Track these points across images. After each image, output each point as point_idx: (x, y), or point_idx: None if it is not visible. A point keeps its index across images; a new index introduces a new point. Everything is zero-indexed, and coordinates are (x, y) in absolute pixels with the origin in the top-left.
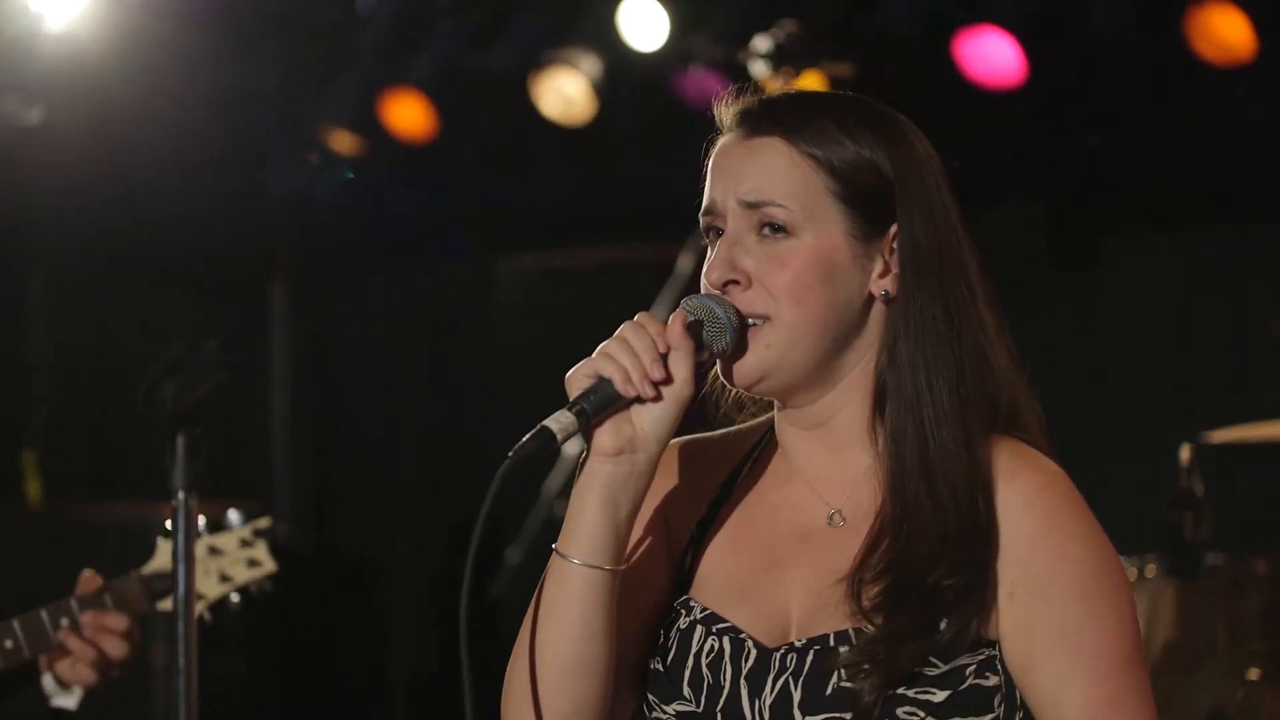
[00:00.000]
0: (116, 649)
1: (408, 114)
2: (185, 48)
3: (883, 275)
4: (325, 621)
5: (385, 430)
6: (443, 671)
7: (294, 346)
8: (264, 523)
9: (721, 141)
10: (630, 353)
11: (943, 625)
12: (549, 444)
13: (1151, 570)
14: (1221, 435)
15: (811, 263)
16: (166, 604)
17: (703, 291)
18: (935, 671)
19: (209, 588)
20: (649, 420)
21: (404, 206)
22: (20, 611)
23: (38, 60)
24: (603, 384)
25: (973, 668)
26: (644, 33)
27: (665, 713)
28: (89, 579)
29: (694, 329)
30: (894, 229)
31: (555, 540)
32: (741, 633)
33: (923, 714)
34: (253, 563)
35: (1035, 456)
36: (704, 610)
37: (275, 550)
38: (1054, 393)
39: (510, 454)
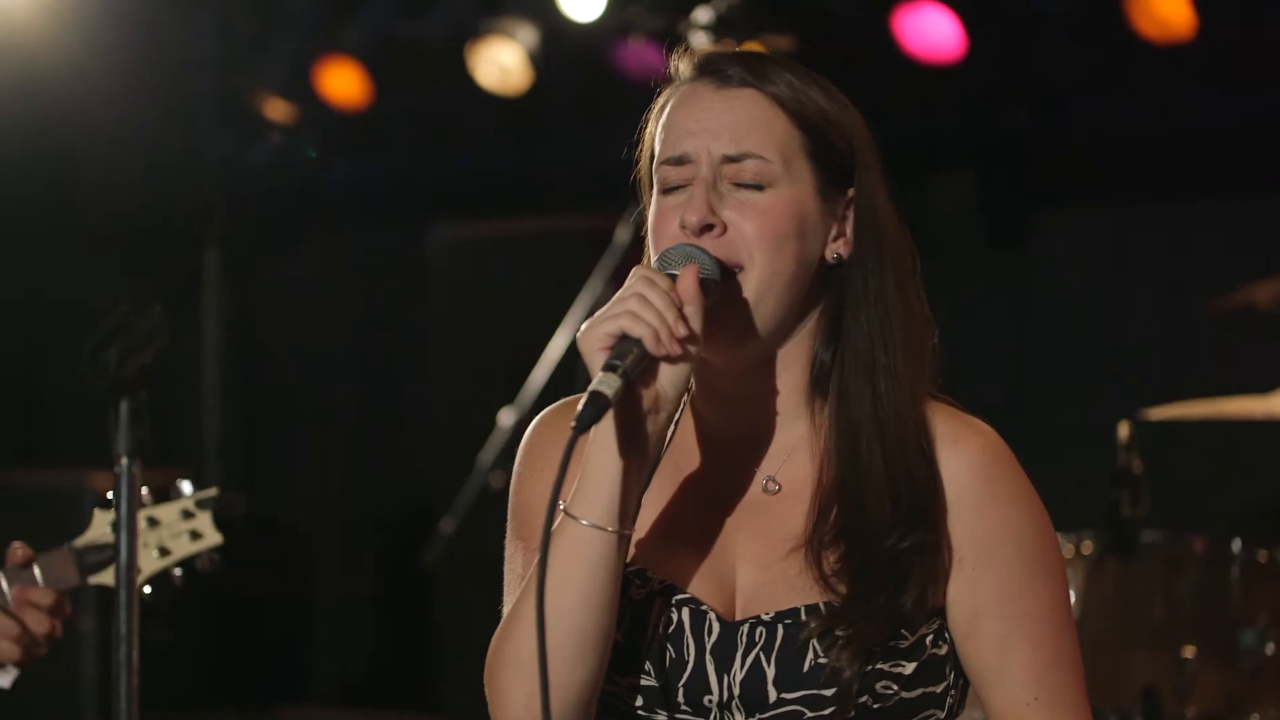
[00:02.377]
0: (39, 624)
1: (342, 82)
2: (119, 11)
3: (836, 239)
4: (254, 589)
5: (316, 398)
6: (372, 640)
7: (225, 313)
8: (210, 493)
9: (686, 89)
10: (654, 311)
11: (904, 590)
12: (605, 409)
13: (1089, 547)
14: (1159, 413)
15: (787, 213)
16: (101, 578)
17: (661, 237)
18: (905, 644)
19: (146, 561)
20: (668, 379)
21: (337, 174)
22: None
23: None
24: (629, 343)
25: (929, 637)
26: (581, 3)
27: (620, 685)
28: (18, 550)
29: (703, 284)
30: (851, 192)
31: (490, 511)
32: (702, 605)
33: (896, 687)
34: (195, 535)
35: (970, 419)
36: (661, 581)
37: (221, 523)
38: (988, 368)
39: (573, 425)
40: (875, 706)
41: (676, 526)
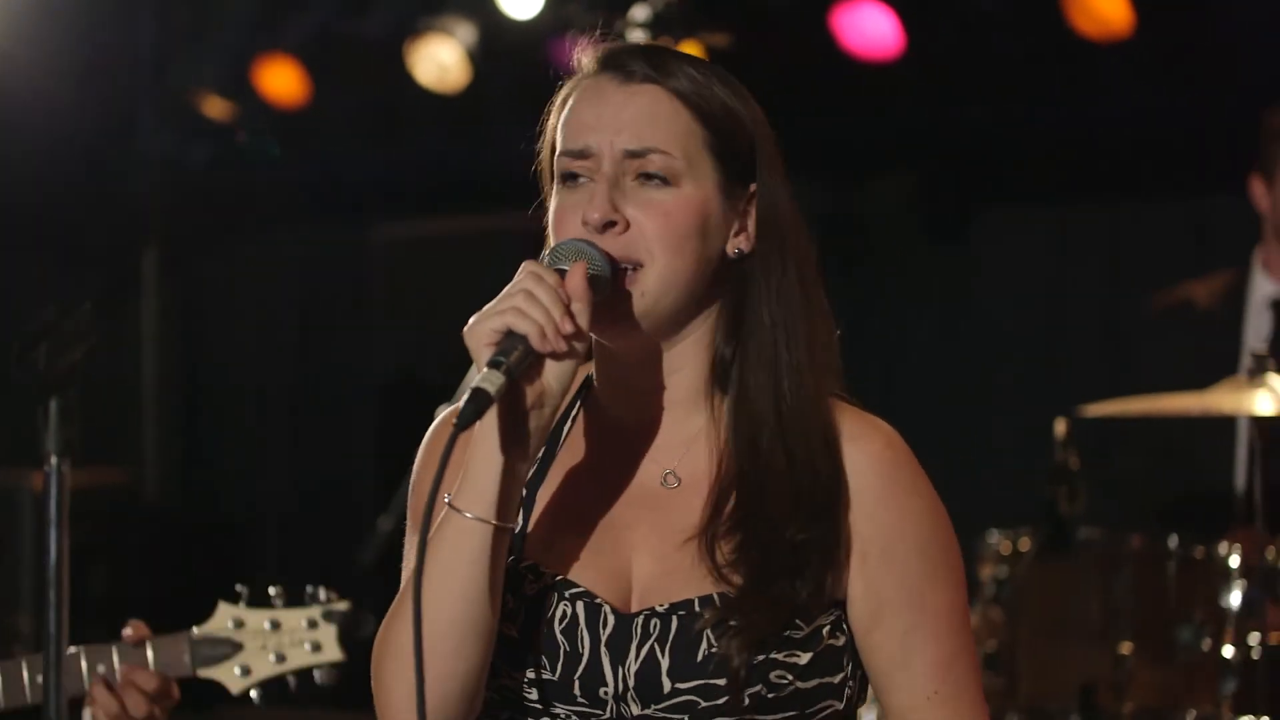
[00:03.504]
0: (138, 708)
1: (281, 80)
2: (56, 7)
3: (737, 234)
4: (192, 585)
5: (255, 396)
6: None
7: (165, 311)
8: (339, 606)
9: (588, 83)
10: (541, 308)
11: (800, 582)
12: (488, 406)
13: (1026, 544)
14: (1096, 409)
15: (690, 212)
16: (213, 671)
17: (563, 233)
18: (800, 634)
19: (261, 664)
20: (554, 375)
21: (276, 172)
22: None
23: None
24: (515, 339)
25: (826, 628)
26: (520, 0)
27: (516, 679)
28: (136, 628)
29: (592, 281)
30: (753, 187)
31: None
32: (597, 598)
33: (791, 677)
34: (316, 647)
35: (872, 418)
36: (554, 576)
37: (346, 639)
38: (926, 365)
39: (455, 423)
40: (770, 696)
41: (574, 520)
